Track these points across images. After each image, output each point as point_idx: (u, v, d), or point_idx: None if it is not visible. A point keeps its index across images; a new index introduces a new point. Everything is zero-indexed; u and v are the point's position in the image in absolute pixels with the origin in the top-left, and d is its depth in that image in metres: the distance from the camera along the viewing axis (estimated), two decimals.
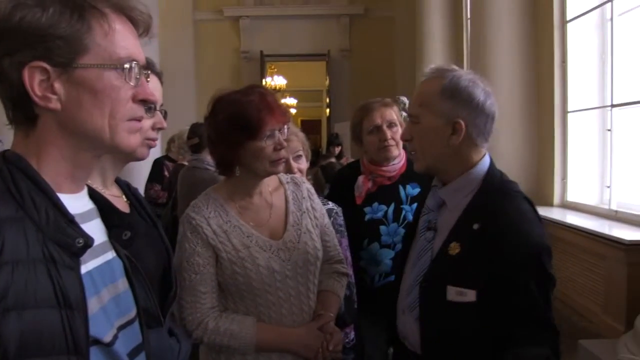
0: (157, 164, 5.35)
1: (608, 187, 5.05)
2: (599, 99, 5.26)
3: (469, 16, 7.25)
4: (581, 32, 5.41)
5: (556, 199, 5.62)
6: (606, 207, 4.99)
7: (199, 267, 1.69)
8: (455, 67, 1.59)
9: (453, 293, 1.43)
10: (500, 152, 5.72)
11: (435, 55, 8.51)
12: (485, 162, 1.55)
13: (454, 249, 1.47)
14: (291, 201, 1.85)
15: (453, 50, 8.73)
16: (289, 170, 2.09)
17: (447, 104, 1.49)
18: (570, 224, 4.81)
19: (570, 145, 5.48)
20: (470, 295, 1.42)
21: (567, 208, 5.46)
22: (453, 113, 1.49)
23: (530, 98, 5.80)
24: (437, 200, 1.61)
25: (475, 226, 1.45)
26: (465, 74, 1.55)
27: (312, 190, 1.94)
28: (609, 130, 5.04)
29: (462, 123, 1.49)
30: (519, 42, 5.81)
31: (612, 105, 4.98)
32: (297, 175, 2.10)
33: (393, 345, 1.86)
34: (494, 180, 1.54)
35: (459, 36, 8.69)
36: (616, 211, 4.78)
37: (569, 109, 5.49)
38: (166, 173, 5.22)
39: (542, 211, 5.25)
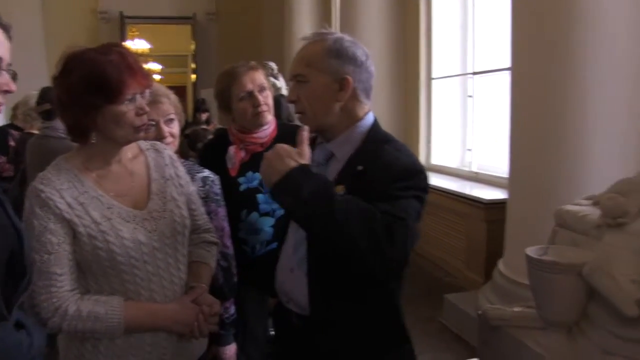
0: (1, 133, 4.79)
1: (469, 150, 5.35)
2: (461, 66, 5.51)
3: None
4: (446, 1, 5.59)
5: (422, 162, 5.79)
6: (467, 169, 5.27)
7: (52, 246, 1.48)
8: (333, 30, 1.66)
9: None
10: None
11: (304, 21, 8.45)
12: (370, 117, 1.63)
13: (339, 189, 1.48)
14: (153, 168, 1.70)
15: (322, 17, 8.72)
16: (159, 134, 1.92)
17: (334, 62, 1.55)
18: (435, 185, 4.99)
19: (435, 110, 5.73)
20: None
21: (432, 171, 5.71)
22: (340, 70, 1.55)
23: (397, 65, 5.96)
24: (325, 153, 1.64)
25: (359, 167, 1.52)
26: (345, 36, 1.62)
27: (175, 157, 1.79)
28: (470, 96, 5.32)
29: (349, 79, 1.55)
30: (387, 11, 5.95)
31: (474, 73, 5.25)
32: (169, 140, 1.94)
33: (274, 314, 1.82)
34: (378, 132, 1.62)
35: (327, 2, 8.70)
36: (477, 173, 5.08)
37: (433, 76, 5.71)
38: (12, 143, 4.69)
39: None
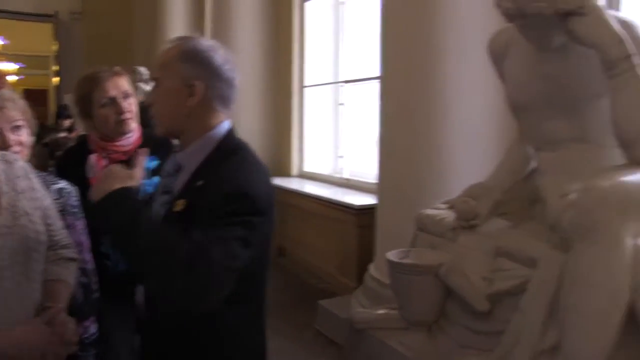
0: None
1: (341, 157, 5.47)
2: (333, 74, 5.63)
3: None
4: (318, 11, 5.71)
5: (294, 170, 5.91)
6: (339, 176, 5.38)
7: None
8: (198, 35, 1.61)
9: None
10: (240, 124, 5.80)
11: (176, 23, 8.23)
12: (223, 127, 1.56)
13: (179, 205, 1.45)
14: (3, 181, 1.57)
15: (195, 21, 8.55)
16: (4, 143, 1.77)
17: (185, 66, 1.50)
18: (307, 192, 5.10)
19: (307, 118, 5.79)
20: None
21: (305, 178, 5.78)
22: (190, 75, 1.49)
23: (270, 73, 5.97)
24: (174, 164, 1.60)
25: (200, 182, 1.46)
26: (206, 40, 1.58)
27: (29, 169, 1.67)
28: (341, 104, 5.44)
29: (199, 85, 1.49)
30: (261, 19, 5.95)
31: (344, 81, 5.39)
32: (17, 149, 1.80)
33: (139, 330, 1.73)
34: (230, 143, 1.55)
35: (201, 8, 8.54)
36: (348, 179, 5.19)
37: (305, 84, 5.79)
38: None
39: (281, 181, 5.51)
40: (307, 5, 5.78)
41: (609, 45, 1.71)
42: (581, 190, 1.61)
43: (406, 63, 3.23)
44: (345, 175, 5.32)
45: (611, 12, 1.88)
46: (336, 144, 5.61)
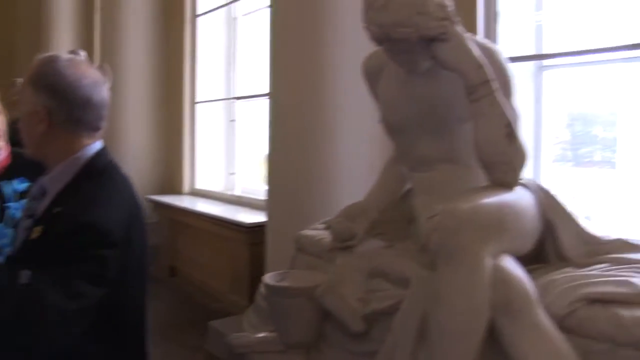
0: None
1: (233, 174, 5.39)
2: (225, 91, 5.56)
3: (100, 5, 6.83)
4: (210, 27, 5.61)
5: (186, 187, 5.77)
6: (231, 193, 5.30)
7: None
8: (58, 54, 1.50)
9: (24, 277, 1.27)
10: (130, 142, 5.64)
11: (64, 37, 7.77)
12: (88, 151, 1.48)
13: (36, 232, 1.37)
14: None
15: (84, 35, 8.13)
16: None
17: (32, 92, 1.43)
18: (200, 210, 4.96)
19: (199, 135, 5.67)
20: None
21: (197, 195, 5.64)
22: (36, 101, 1.42)
23: (161, 88, 5.83)
24: (38, 188, 1.53)
25: (57, 209, 1.38)
26: (64, 60, 1.47)
27: None
28: (233, 120, 5.38)
29: (43, 111, 1.42)
30: (152, 33, 5.80)
31: (236, 98, 5.33)
32: None
33: None
34: (96, 167, 1.47)
35: (90, 21, 8.13)
36: (240, 197, 5.12)
37: (197, 100, 5.67)
38: None
39: (172, 199, 5.39)
40: (199, 20, 5.66)
41: (469, 71, 1.76)
42: (443, 213, 1.63)
43: (294, 80, 3.22)
44: (237, 192, 5.25)
45: (474, 38, 1.94)
46: (228, 161, 5.53)
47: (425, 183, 2.07)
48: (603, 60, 2.99)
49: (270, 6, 3.48)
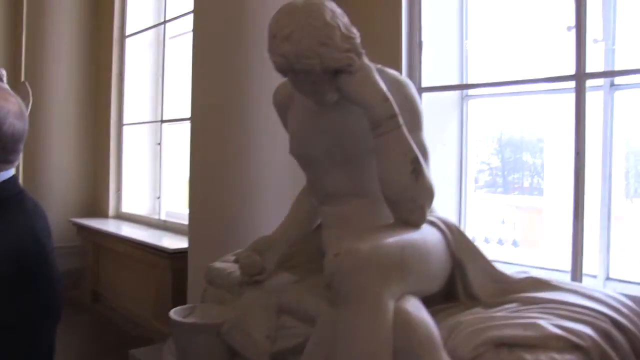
0: None
1: (158, 198, 5.26)
2: (152, 113, 5.44)
3: (25, 21, 6.60)
4: (139, 49, 5.48)
5: (111, 210, 5.60)
6: (157, 217, 5.16)
7: None
8: None
9: None
10: (54, 163, 5.49)
11: None
12: None
13: None
14: None
15: (10, 52, 7.81)
16: None
17: None
18: (123, 235, 4.79)
19: (125, 157, 5.51)
20: None
21: (122, 219, 5.48)
22: None
23: (87, 109, 5.68)
24: None
25: None
26: None
27: None
28: (159, 144, 5.25)
29: None
30: (79, 52, 5.65)
31: (163, 121, 5.21)
32: None
33: None
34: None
35: (17, 38, 7.80)
36: (165, 221, 4.99)
37: (124, 122, 5.52)
38: None
39: (97, 223, 5.22)
40: (127, 40, 5.51)
41: (373, 104, 1.71)
42: (343, 252, 1.56)
43: (214, 104, 3.15)
44: (163, 216, 5.12)
45: (384, 69, 1.89)
46: (154, 184, 5.39)
47: (334, 217, 1.99)
48: (526, 92, 3.02)
49: (193, 30, 3.41)
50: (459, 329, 1.60)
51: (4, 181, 1.42)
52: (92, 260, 5.32)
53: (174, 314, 2.05)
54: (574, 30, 2.45)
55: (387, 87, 1.76)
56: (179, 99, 5.09)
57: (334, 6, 1.74)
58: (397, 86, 1.86)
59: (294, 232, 2.16)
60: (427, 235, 1.74)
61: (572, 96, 2.46)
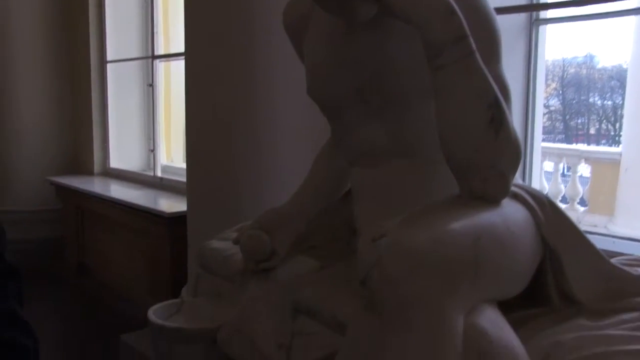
0: None
1: (152, 150, 5.14)
2: (141, 48, 5.29)
3: None
4: None
5: (97, 167, 5.52)
6: (151, 173, 5.05)
7: None
8: None
9: None
10: (23, 113, 5.38)
11: None
12: None
13: None
14: None
15: None
16: None
17: None
18: (113, 196, 4.65)
19: (111, 102, 5.37)
20: None
21: (110, 176, 5.39)
22: None
23: (59, 45, 5.53)
24: None
25: None
26: None
27: None
28: (150, 85, 5.09)
29: None
30: None
31: (154, 57, 5.00)
32: None
33: None
34: None
35: None
36: (161, 178, 4.87)
37: (107, 59, 5.36)
38: None
39: (80, 182, 5.10)
40: None
41: (431, 20, 1.28)
42: (390, 244, 1.17)
43: (213, 33, 2.94)
44: (158, 173, 4.98)
45: None
46: (147, 134, 5.27)
47: (369, 184, 1.63)
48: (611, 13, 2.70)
49: None
50: (558, 355, 1.22)
51: None
52: (75, 226, 5.23)
53: (154, 314, 1.73)
54: None
55: None
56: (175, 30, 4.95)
57: None
58: None
59: (313, 204, 1.80)
60: (510, 215, 1.33)
61: None
